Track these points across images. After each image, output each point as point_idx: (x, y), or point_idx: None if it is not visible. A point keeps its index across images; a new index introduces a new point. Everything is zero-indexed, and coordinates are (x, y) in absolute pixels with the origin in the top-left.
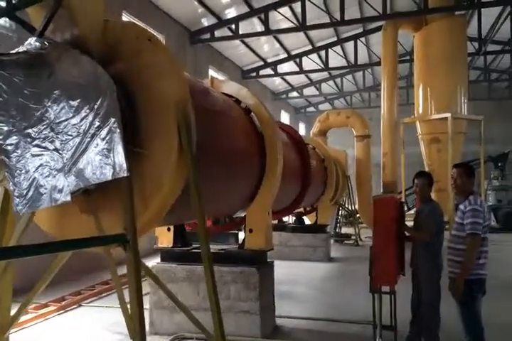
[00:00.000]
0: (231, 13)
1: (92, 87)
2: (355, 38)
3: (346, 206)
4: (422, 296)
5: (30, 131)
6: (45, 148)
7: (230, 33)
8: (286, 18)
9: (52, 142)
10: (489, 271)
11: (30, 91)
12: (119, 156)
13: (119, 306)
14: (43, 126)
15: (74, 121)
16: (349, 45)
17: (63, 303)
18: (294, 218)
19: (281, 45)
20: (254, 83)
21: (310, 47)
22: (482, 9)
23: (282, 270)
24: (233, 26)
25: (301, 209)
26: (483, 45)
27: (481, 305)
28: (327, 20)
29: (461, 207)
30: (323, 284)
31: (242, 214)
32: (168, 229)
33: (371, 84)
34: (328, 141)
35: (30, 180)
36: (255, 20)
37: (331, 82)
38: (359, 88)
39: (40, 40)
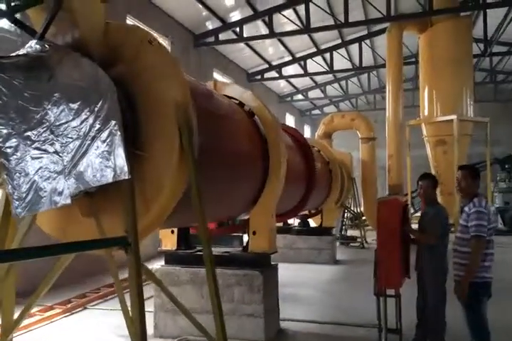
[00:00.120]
0: (235, 16)
1: (93, 89)
2: (359, 40)
3: (352, 208)
4: (428, 299)
5: (29, 133)
6: (45, 151)
7: (235, 36)
8: (290, 20)
9: (52, 145)
10: (495, 273)
11: (30, 94)
12: (120, 159)
13: None
14: (42, 128)
15: (74, 123)
16: (354, 48)
17: (69, 306)
18: (299, 220)
19: (286, 47)
20: (259, 86)
21: (314, 49)
22: (488, 10)
23: (287, 272)
24: (237, 29)
25: (306, 212)
26: (489, 47)
27: (487, 308)
28: (331, 22)
29: (466, 209)
30: (328, 287)
31: (246, 217)
32: (172, 232)
33: (376, 87)
34: (333, 144)
35: (30, 182)
36: (259, 23)
37: (336, 85)
38: (364, 90)
39: (40, 42)
